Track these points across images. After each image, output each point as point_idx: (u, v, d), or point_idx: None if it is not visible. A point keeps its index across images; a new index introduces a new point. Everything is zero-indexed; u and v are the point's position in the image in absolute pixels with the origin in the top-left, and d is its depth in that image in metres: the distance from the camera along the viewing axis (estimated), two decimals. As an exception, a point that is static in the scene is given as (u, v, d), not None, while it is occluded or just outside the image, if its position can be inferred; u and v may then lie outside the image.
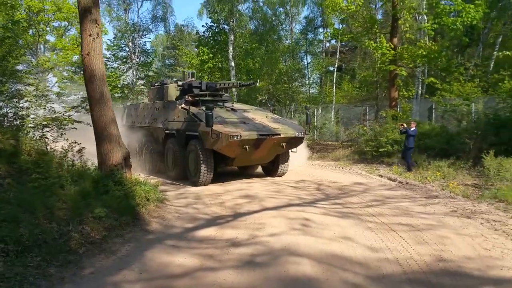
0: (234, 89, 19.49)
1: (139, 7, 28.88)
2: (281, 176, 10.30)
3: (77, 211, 4.75)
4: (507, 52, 13.93)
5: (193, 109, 9.37)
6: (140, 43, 28.26)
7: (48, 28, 23.71)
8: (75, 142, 6.34)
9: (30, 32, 19.70)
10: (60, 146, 6.66)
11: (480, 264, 4.04)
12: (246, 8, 25.50)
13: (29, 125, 6.36)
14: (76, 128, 6.84)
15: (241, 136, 8.21)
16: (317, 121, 19.46)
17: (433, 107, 15.84)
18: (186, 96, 10.04)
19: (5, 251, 3.61)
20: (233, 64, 22.20)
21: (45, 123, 6.34)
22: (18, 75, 6.55)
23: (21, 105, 6.68)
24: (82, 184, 5.48)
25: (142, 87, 27.13)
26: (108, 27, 29.62)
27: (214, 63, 22.72)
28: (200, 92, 10.34)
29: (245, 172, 10.93)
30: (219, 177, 9.64)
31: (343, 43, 26.58)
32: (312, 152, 15.83)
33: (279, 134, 8.91)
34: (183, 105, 9.69)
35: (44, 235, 4.06)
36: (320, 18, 29.53)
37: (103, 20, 31.93)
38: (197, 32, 25.98)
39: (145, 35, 28.30)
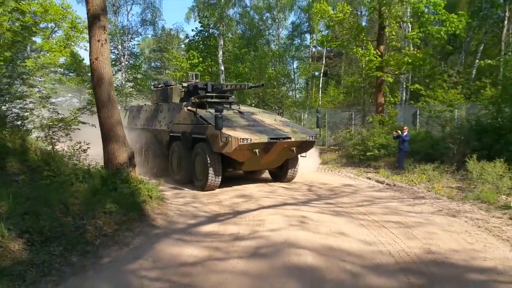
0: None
1: (128, 10, 29.01)
2: (289, 181, 10.03)
3: (89, 206, 5.00)
4: (489, 61, 14.67)
5: (200, 111, 9.09)
6: (129, 46, 28.50)
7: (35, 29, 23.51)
8: (83, 142, 6.55)
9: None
10: (63, 146, 6.86)
11: (464, 255, 4.47)
12: (233, 13, 25.93)
13: (36, 126, 6.54)
14: (79, 129, 7.05)
15: (251, 139, 7.93)
16: (304, 125, 19.94)
17: (418, 113, 16.41)
18: (192, 98, 9.78)
19: (31, 241, 3.87)
20: (222, 68, 22.54)
21: (51, 123, 6.53)
22: (24, 77, 6.72)
23: (25, 106, 6.85)
24: (91, 182, 5.71)
25: (131, 89, 27.28)
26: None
27: (204, 67, 23.00)
28: (207, 94, 10.03)
29: (251, 177, 10.68)
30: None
31: (329, 48, 27.23)
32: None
33: (290, 138, 8.61)
34: (189, 107, 9.39)
35: (63, 227, 4.31)
36: (306, 24, 30.19)
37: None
38: (187, 36, 26.23)
39: (134, 38, 28.51)
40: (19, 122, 6.94)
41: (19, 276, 3.43)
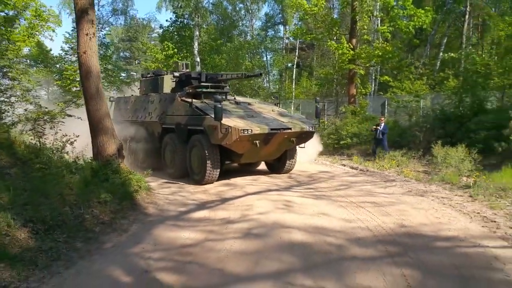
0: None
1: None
2: (287, 172, 9.80)
3: (84, 196, 5.18)
4: (452, 54, 15.63)
5: (195, 102, 8.63)
6: (100, 36, 27.73)
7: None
8: (73, 134, 6.63)
9: None
10: (49, 139, 6.90)
11: (432, 228, 5.04)
12: (206, 2, 25.81)
13: (21, 119, 6.54)
14: (64, 123, 7.09)
15: (252, 130, 7.67)
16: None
17: (386, 103, 17.26)
18: (187, 88, 9.24)
19: (35, 229, 4.05)
20: (198, 59, 22.53)
21: (36, 116, 6.55)
22: (5, 70, 6.65)
23: (7, 99, 6.80)
24: (82, 173, 5.87)
25: (103, 81, 26.62)
26: (68, 20, 28.60)
27: (180, 58, 22.88)
28: (202, 84, 9.46)
29: (247, 169, 10.40)
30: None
31: (301, 40, 27.70)
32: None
33: (290, 129, 8.45)
34: (183, 98, 8.97)
35: (63, 216, 4.50)
36: (280, 15, 30.50)
37: (63, 13, 30.85)
38: (161, 26, 25.89)
39: (105, 28, 27.81)
40: (2, 115, 6.89)
41: (30, 261, 3.63)
